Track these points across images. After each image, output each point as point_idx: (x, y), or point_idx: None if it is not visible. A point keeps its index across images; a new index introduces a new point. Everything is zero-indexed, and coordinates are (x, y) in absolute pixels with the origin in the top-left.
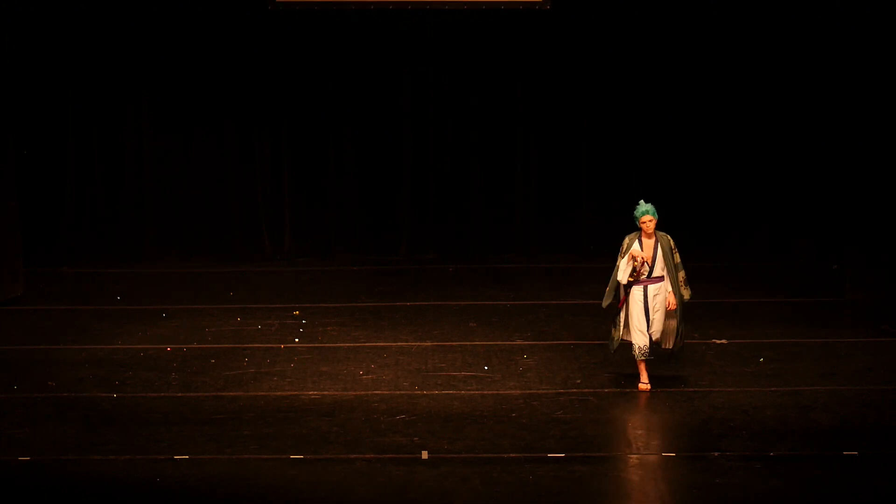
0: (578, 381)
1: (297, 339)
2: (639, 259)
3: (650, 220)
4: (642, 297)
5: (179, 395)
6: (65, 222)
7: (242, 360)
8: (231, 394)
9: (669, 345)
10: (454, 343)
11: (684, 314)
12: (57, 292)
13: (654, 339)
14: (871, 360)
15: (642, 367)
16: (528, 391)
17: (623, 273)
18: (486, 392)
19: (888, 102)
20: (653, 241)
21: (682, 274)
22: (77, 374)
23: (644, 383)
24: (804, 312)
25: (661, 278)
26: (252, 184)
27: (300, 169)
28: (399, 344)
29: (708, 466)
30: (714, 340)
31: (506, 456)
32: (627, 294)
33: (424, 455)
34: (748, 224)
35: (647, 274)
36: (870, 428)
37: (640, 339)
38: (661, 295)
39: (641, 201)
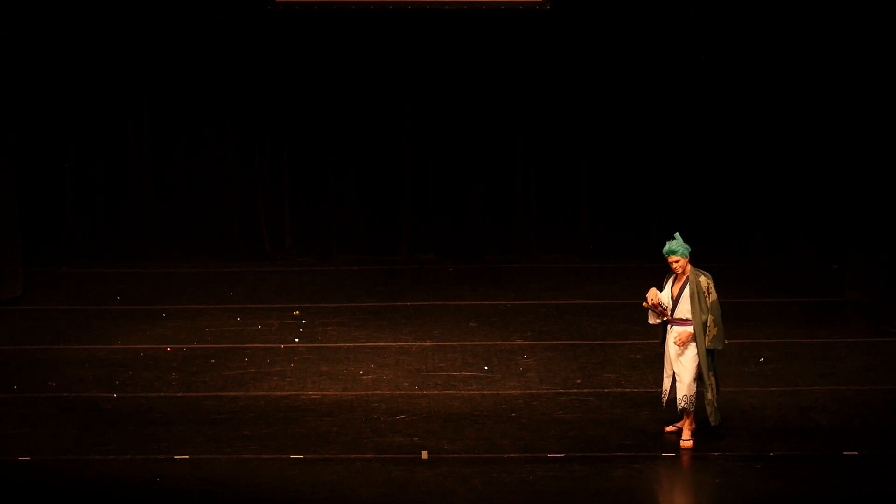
0: (578, 381)
1: (297, 339)
2: (648, 301)
3: (674, 261)
4: (668, 338)
5: (179, 395)
6: (65, 222)
7: (242, 360)
8: (231, 394)
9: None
10: (454, 343)
11: (707, 369)
12: (57, 292)
13: (677, 388)
14: (871, 360)
15: (684, 421)
16: (528, 391)
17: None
18: (486, 392)
19: (888, 102)
20: (681, 281)
21: (709, 317)
22: (77, 374)
23: (683, 440)
24: (804, 312)
25: (686, 321)
26: (252, 184)
27: (300, 169)
28: (399, 344)
29: (708, 466)
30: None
31: (506, 456)
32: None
33: (424, 455)
34: (748, 224)
35: (671, 315)
36: (870, 428)
37: (665, 384)
38: (673, 338)
39: (676, 235)
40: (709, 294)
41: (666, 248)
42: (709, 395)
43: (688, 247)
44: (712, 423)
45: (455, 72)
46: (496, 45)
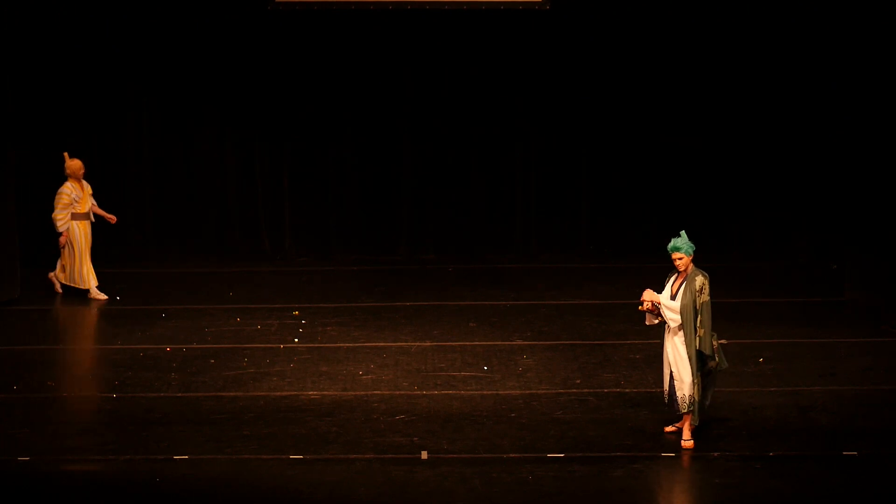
0: (578, 381)
1: (296, 339)
2: (645, 304)
3: (677, 258)
4: (666, 338)
5: (179, 395)
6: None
7: (242, 360)
8: (231, 394)
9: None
10: (454, 343)
11: (695, 368)
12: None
13: (676, 388)
14: (871, 360)
15: (684, 421)
16: (527, 391)
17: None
18: (485, 392)
19: (888, 102)
20: (682, 279)
21: (699, 318)
22: (77, 374)
23: (684, 440)
24: (804, 312)
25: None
26: (252, 183)
27: (300, 169)
28: (399, 344)
29: (708, 466)
30: (714, 341)
31: (506, 456)
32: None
33: (424, 455)
34: (748, 224)
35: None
36: (870, 428)
37: (666, 385)
38: (672, 338)
39: (682, 233)
40: (700, 294)
41: (671, 245)
42: (695, 395)
43: (693, 245)
44: (694, 423)
45: (455, 71)
46: (496, 45)
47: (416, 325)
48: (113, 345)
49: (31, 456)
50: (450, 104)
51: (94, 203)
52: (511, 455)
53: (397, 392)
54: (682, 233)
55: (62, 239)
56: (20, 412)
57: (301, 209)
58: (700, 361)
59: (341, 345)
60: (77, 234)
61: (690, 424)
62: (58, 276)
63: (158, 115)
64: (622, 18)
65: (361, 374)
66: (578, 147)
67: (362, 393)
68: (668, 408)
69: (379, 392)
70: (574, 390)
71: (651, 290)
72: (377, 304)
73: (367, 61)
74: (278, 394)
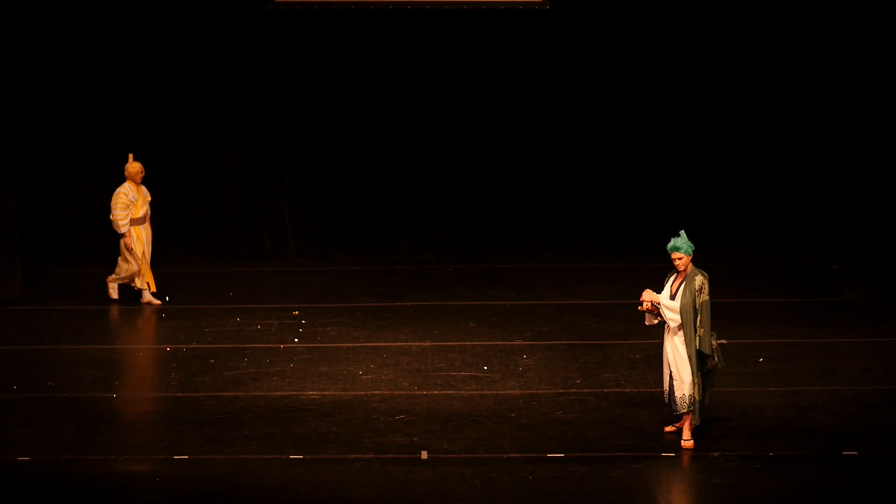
0: (578, 381)
1: (296, 339)
2: (645, 304)
3: (677, 258)
4: (665, 338)
5: (179, 395)
6: (64, 222)
7: (242, 360)
8: (231, 394)
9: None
10: (454, 343)
11: (695, 367)
12: (56, 292)
13: (675, 388)
14: (870, 360)
15: (684, 421)
16: (527, 391)
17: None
18: (485, 392)
19: (888, 102)
20: (682, 278)
21: (699, 318)
22: (77, 374)
23: (684, 440)
24: (804, 312)
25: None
26: (252, 184)
27: (300, 169)
28: (399, 344)
29: (708, 466)
30: (714, 340)
31: (505, 456)
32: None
33: (424, 455)
34: (748, 224)
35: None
36: (870, 428)
37: (666, 385)
38: (671, 338)
39: (681, 233)
40: (700, 293)
41: (670, 245)
42: (695, 394)
43: (692, 245)
44: (694, 423)
45: (455, 71)
46: (496, 45)
47: (416, 325)
48: (113, 345)
49: (31, 456)
50: (450, 104)
51: (149, 211)
52: (511, 455)
53: (397, 392)
54: (682, 232)
55: (126, 241)
56: (20, 412)
57: (301, 209)
58: (700, 361)
59: (341, 345)
60: (135, 238)
61: (691, 424)
62: (113, 281)
63: (158, 115)
64: (622, 18)
65: (361, 374)
66: (578, 147)
67: (362, 393)
68: (668, 408)
69: (379, 392)
70: (574, 390)
71: (651, 290)
72: (377, 304)
73: (367, 61)
74: (278, 394)
